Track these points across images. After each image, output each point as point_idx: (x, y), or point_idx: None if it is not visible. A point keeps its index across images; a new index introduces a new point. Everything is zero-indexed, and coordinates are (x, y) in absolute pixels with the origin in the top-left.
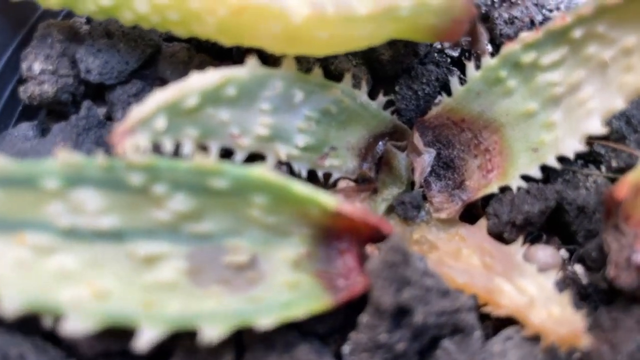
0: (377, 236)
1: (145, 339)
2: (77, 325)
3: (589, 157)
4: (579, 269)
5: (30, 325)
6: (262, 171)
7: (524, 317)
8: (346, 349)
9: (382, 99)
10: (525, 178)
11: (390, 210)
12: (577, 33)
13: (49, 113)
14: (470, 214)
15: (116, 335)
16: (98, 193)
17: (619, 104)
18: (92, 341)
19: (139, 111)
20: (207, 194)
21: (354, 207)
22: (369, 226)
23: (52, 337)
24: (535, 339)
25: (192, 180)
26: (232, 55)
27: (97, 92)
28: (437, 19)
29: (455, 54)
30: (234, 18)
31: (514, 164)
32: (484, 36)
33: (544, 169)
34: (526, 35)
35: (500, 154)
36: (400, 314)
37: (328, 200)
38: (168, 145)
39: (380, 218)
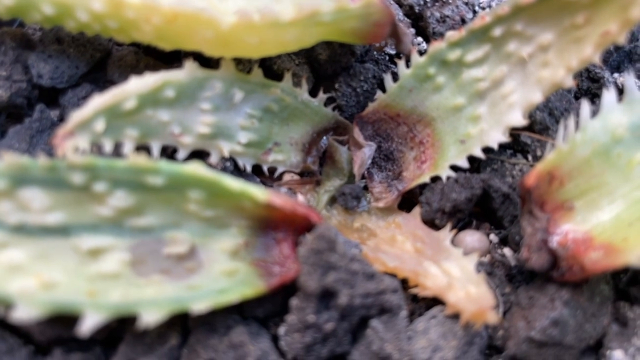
0: (310, 226)
1: (88, 324)
2: (25, 313)
3: (517, 147)
4: (507, 251)
5: None
6: (194, 168)
7: (445, 297)
8: (282, 330)
9: (322, 96)
10: (456, 168)
11: (333, 201)
12: (497, 31)
13: (8, 116)
14: (410, 202)
15: (67, 322)
16: (43, 192)
17: (537, 97)
18: (44, 328)
19: (78, 115)
20: (145, 190)
21: (283, 199)
22: (301, 216)
23: (9, 326)
24: (456, 317)
25: (130, 178)
26: (180, 58)
27: (51, 96)
28: (359, 23)
29: (393, 52)
30: (168, 25)
31: (444, 155)
32: (407, 37)
33: (475, 159)
34: (451, 34)
35: (433, 146)
36: (326, 297)
37: (258, 193)
38: (108, 145)
39: (308, 208)
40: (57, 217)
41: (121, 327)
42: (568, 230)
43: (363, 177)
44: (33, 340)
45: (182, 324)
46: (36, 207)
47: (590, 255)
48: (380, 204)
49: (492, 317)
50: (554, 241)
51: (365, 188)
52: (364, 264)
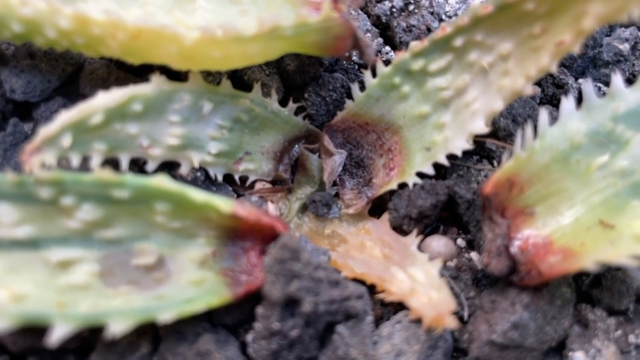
0: (277, 235)
1: (57, 334)
2: None
3: (483, 153)
4: (474, 255)
5: None
6: (159, 180)
7: (408, 302)
8: (249, 337)
9: (292, 105)
10: (422, 175)
11: (305, 208)
12: (458, 42)
13: None
14: (380, 208)
15: (39, 333)
16: (12, 206)
17: (499, 105)
18: (17, 339)
19: (45, 131)
20: (112, 203)
21: (248, 210)
22: (266, 226)
23: None
24: (420, 321)
25: (97, 191)
26: (152, 70)
27: (24, 110)
28: (320, 37)
29: (362, 61)
30: (133, 41)
31: (410, 162)
32: (370, 48)
33: (441, 165)
34: (415, 45)
35: (400, 153)
36: (290, 305)
37: (223, 204)
38: (75, 160)
39: (273, 218)
40: (27, 231)
41: (93, 336)
42: (529, 235)
43: (335, 184)
44: (7, 351)
45: (153, 332)
46: (5, 221)
47: (548, 260)
48: (351, 211)
49: (451, 322)
50: (515, 246)
51: (337, 195)
52: (329, 271)
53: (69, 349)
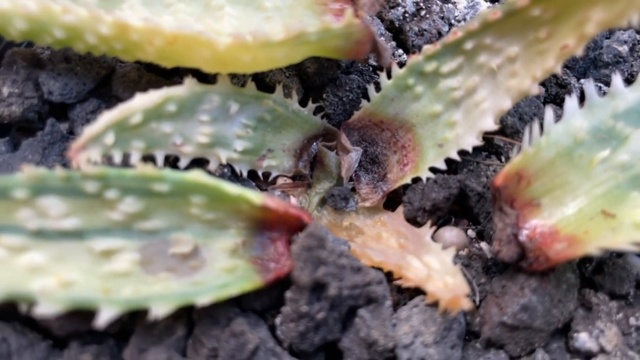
0: (302, 225)
1: (104, 317)
2: (46, 308)
3: (491, 149)
4: (484, 245)
5: (11, 313)
6: (196, 175)
7: (425, 287)
8: (278, 320)
9: (311, 105)
10: (435, 170)
11: (323, 202)
12: (469, 45)
13: (19, 129)
14: (394, 202)
15: (83, 317)
16: (60, 199)
17: (507, 104)
18: (63, 323)
19: (90, 130)
20: (152, 197)
21: (277, 202)
22: (293, 217)
23: (29, 322)
24: (435, 305)
25: (138, 185)
26: (179, 73)
27: (60, 110)
28: (342, 42)
29: (377, 63)
30: (169, 47)
31: (424, 158)
32: (387, 52)
33: (452, 161)
34: (427, 48)
35: (414, 149)
36: (317, 289)
37: (255, 197)
38: (117, 157)
39: (300, 209)
40: (73, 222)
41: (132, 321)
42: (536, 225)
43: (351, 179)
44: (52, 335)
45: (187, 317)
46: (54, 213)
47: (555, 247)
48: (367, 204)
49: (466, 304)
50: (524, 235)
51: (353, 189)
52: (351, 259)
53: (110, 333)
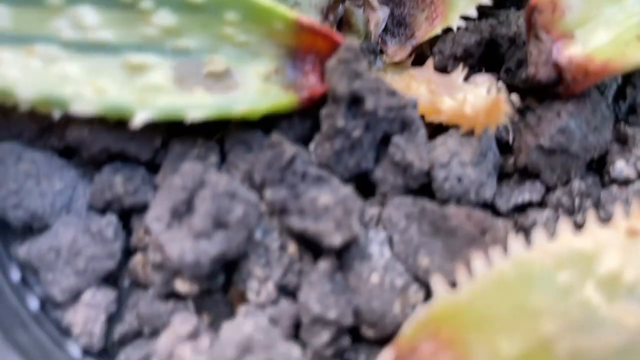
0: (333, 51)
1: (139, 118)
2: (80, 107)
3: (521, 4)
4: (514, 97)
5: (42, 142)
6: None
7: (460, 113)
8: (311, 146)
9: None
10: (466, 18)
11: None
12: None
13: None
14: (421, 61)
15: (115, 133)
16: (94, 9)
17: None
18: (94, 138)
19: None
20: (186, 10)
21: (310, 19)
22: (325, 38)
23: (58, 151)
24: (472, 133)
25: None
26: None
27: None
28: None
29: None
30: None
31: (454, 9)
32: None
33: (483, 13)
34: None
35: (443, 3)
36: (354, 104)
37: (288, 12)
38: None
39: (330, 30)
40: (107, 35)
41: (164, 149)
42: (571, 55)
43: (377, 43)
44: (82, 160)
45: (220, 146)
46: (89, 24)
47: (594, 63)
48: (396, 59)
49: (507, 108)
50: (562, 55)
51: (381, 51)
52: (384, 82)
53: (141, 162)
